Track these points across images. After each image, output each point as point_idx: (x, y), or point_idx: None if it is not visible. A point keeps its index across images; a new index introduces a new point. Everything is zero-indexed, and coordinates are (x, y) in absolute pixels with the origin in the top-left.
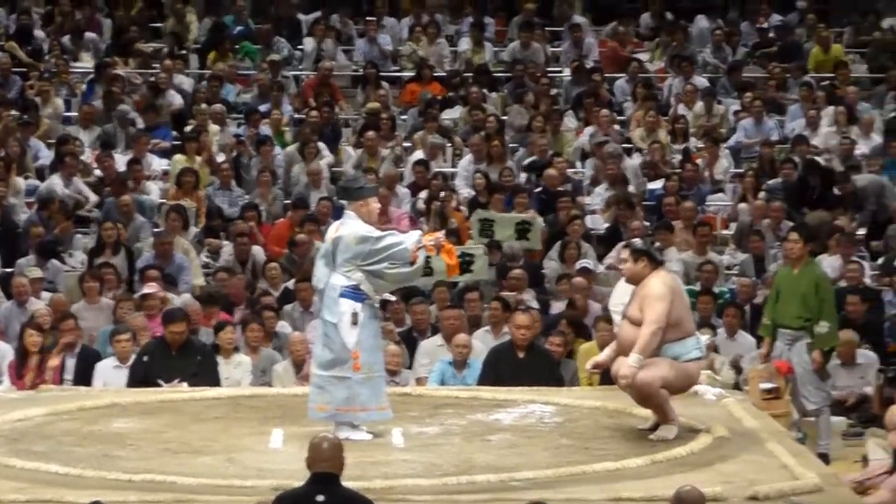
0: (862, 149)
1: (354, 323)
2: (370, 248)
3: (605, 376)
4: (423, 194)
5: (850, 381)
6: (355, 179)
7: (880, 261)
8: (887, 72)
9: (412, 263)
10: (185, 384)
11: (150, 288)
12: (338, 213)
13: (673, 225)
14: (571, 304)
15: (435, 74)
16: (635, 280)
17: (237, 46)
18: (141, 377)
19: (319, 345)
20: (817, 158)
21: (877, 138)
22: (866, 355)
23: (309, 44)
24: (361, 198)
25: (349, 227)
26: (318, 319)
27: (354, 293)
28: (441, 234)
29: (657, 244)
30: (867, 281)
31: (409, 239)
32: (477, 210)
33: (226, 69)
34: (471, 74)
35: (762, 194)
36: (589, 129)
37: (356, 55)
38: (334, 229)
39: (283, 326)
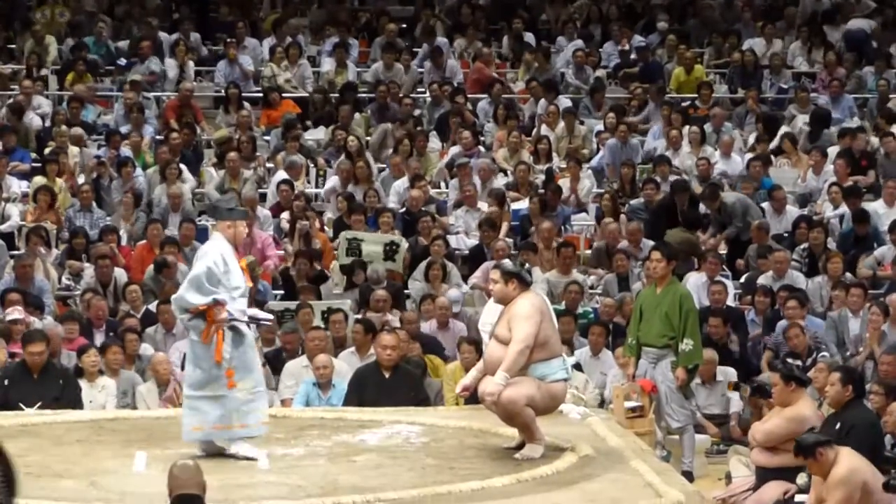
0: (722, 168)
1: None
2: (198, 268)
3: (472, 396)
4: (286, 215)
5: (711, 399)
6: (227, 200)
7: (742, 279)
8: (747, 92)
9: (189, 312)
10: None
11: (17, 313)
12: (201, 235)
13: (537, 245)
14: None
15: (298, 95)
16: (504, 301)
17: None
18: (1, 401)
19: (190, 365)
20: (685, 177)
21: (737, 158)
22: (724, 371)
23: (171, 65)
24: (230, 219)
25: (206, 245)
26: (187, 340)
27: None
28: (225, 318)
29: (527, 265)
30: (730, 301)
31: (205, 298)
32: (346, 230)
33: (84, 90)
34: (336, 94)
35: (623, 216)
36: (453, 150)
37: (217, 76)
38: (201, 250)
39: (145, 349)
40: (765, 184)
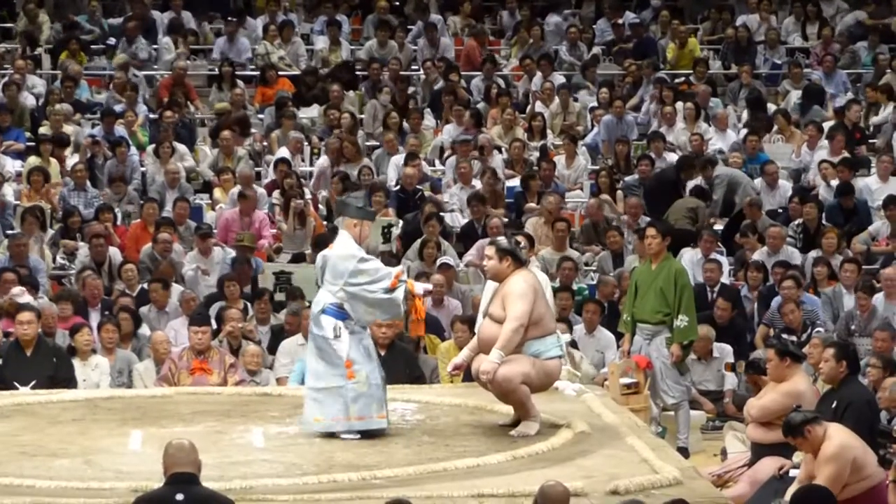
0: (718, 144)
1: (337, 336)
2: (354, 265)
3: (467, 374)
4: (279, 194)
5: (707, 374)
6: (358, 198)
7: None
8: (741, 68)
9: (391, 290)
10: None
11: (17, 291)
12: (195, 213)
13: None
14: None
15: (292, 73)
16: (498, 277)
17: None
18: None
19: (313, 358)
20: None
21: (732, 134)
22: (721, 348)
23: (165, 43)
24: (357, 218)
25: (337, 244)
26: (310, 334)
27: (337, 311)
28: (425, 286)
29: (523, 244)
30: (725, 278)
31: (393, 269)
32: None
33: (77, 69)
34: (331, 72)
35: (619, 192)
36: (448, 128)
37: (213, 54)
38: (329, 247)
39: (141, 327)
40: (760, 158)
